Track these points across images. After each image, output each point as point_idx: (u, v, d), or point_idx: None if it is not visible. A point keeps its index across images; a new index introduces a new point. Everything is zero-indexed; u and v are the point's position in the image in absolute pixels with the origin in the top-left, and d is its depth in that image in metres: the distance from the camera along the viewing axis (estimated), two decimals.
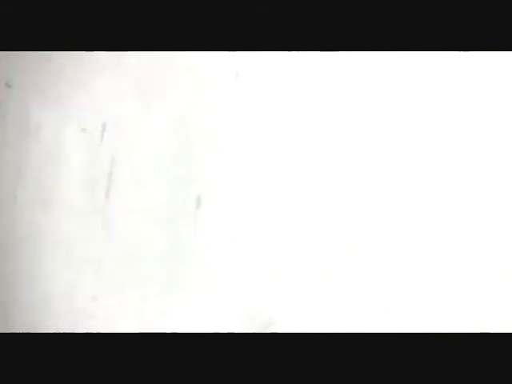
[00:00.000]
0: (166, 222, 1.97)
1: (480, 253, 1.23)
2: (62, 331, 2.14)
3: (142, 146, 2.06)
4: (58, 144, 2.25)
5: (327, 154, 1.57)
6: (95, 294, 2.07)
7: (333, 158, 1.55)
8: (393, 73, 1.40)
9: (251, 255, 1.72)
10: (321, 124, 1.60)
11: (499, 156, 1.22)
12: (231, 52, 1.82)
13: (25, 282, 2.28)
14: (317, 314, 1.53)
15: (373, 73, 1.46)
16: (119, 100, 2.12)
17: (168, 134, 2.00)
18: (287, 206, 1.65)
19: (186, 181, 1.94)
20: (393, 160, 1.40)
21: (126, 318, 2.00)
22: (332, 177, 1.55)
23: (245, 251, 1.74)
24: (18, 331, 2.23)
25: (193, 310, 1.86)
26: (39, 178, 2.29)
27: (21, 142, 2.34)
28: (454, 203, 1.28)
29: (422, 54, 1.31)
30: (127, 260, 2.03)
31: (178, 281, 1.90)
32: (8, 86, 2.33)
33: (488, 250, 1.23)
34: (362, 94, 1.49)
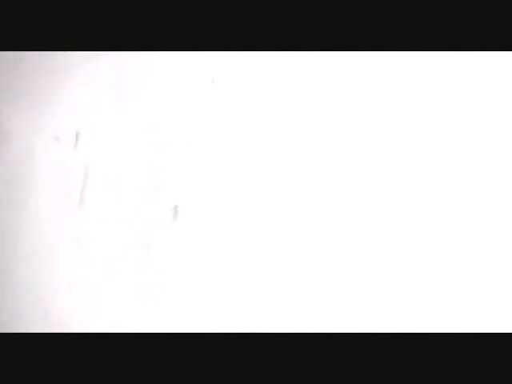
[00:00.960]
0: (142, 232, 1.93)
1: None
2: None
3: (116, 155, 2.02)
4: (30, 153, 2.19)
5: (307, 157, 1.56)
6: (70, 306, 2.01)
7: (316, 161, 1.54)
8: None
9: (229, 266, 1.69)
10: (300, 128, 1.58)
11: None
12: (208, 56, 1.80)
13: None
14: (305, 325, 1.51)
15: (363, 74, 1.46)
16: (93, 106, 2.08)
17: (144, 142, 1.96)
18: (266, 217, 1.63)
19: (163, 190, 1.90)
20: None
21: (102, 330, 1.94)
22: (313, 182, 1.54)
23: (223, 262, 1.71)
24: None
25: (169, 322, 1.82)
26: (10, 189, 2.22)
27: None
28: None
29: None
30: (102, 271, 1.98)
31: (155, 292, 1.85)
32: None
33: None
34: (352, 96, 1.49)
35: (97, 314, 1.97)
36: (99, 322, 1.96)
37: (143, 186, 1.95)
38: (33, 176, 2.16)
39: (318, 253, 1.49)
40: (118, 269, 1.94)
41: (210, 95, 1.80)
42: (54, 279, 2.07)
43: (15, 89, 2.23)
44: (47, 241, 2.11)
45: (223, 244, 1.72)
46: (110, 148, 2.03)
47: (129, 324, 1.91)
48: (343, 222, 1.46)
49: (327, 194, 1.50)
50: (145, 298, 1.88)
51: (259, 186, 1.66)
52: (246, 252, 1.66)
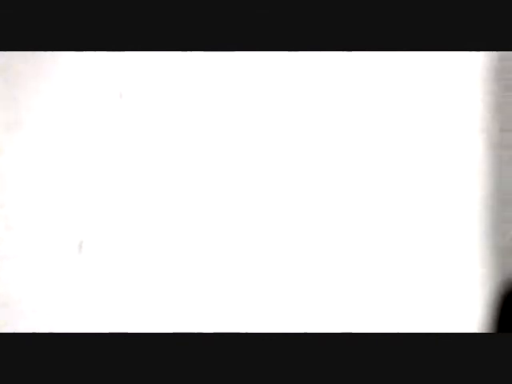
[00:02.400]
0: (43, 268, 1.77)
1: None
2: None
3: (13, 184, 1.84)
4: None
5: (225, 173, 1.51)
6: None
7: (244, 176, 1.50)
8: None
9: (138, 302, 1.61)
10: (214, 147, 1.53)
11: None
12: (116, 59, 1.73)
13: None
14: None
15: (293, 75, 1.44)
16: None
17: (44, 169, 1.82)
18: (178, 253, 1.55)
19: (66, 223, 1.77)
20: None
21: None
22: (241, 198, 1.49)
23: (131, 298, 1.62)
24: None
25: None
26: None
27: None
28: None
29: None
30: (1, 313, 1.76)
31: (59, 322, 1.67)
32: None
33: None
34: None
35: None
36: None
37: (45, 219, 1.79)
38: None
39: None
40: (20, 308, 1.75)
41: (118, 117, 1.71)
42: None
43: None
44: None
45: (131, 279, 1.63)
46: (5, 176, 1.86)
47: None
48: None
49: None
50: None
51: (174, 219, 1.56)
52: (154, 287, 1.58)
